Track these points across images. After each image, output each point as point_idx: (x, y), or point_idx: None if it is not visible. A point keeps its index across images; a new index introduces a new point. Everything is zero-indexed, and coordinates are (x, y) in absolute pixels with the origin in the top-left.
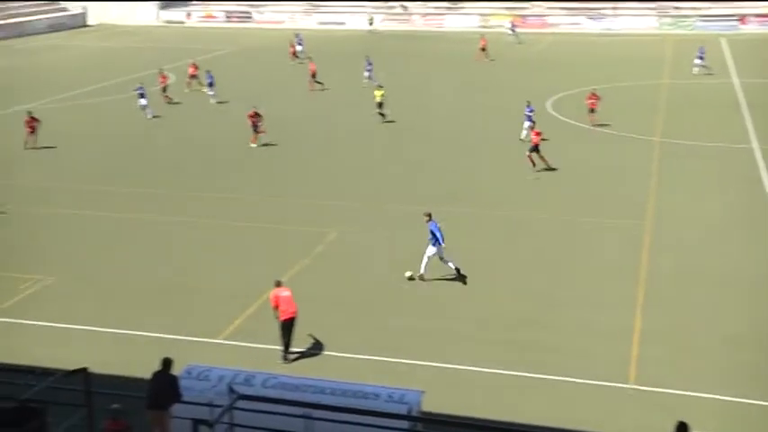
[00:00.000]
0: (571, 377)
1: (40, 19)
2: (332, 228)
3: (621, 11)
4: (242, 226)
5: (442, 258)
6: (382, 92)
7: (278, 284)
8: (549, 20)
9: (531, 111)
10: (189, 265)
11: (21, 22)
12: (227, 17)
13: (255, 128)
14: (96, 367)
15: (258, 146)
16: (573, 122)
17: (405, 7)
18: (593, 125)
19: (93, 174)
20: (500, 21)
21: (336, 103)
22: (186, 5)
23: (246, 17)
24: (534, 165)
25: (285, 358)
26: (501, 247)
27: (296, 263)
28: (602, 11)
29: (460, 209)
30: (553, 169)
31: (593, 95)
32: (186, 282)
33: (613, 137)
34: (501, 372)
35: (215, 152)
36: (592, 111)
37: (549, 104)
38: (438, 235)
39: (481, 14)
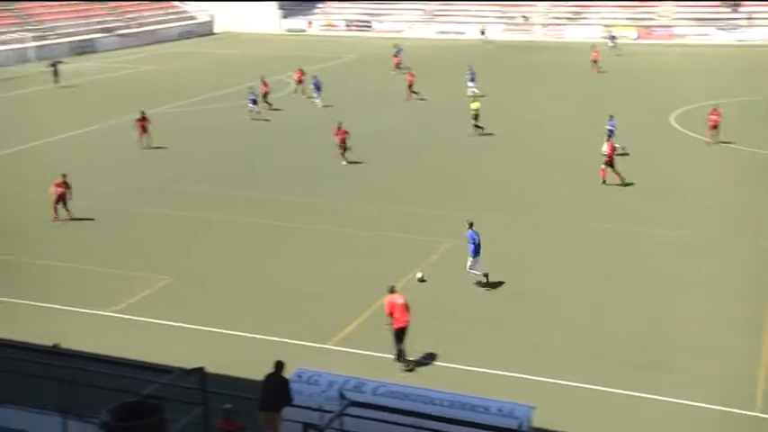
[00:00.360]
0: (690, 400)
1: (171, 27)
2: (446, 238)
3: (757, 21)
4: (353, 233)
5: (471, 266)
6: (478, 104)
7: (392, 291)
8: (676, 30)
9: (612, 125)
10: (301, 270)
11: (153, 30)
12: (348, 26)
13: (343, 145)
14: (211, 366)
15: (347, 163)
16: (694, 136)
17: (526, 17)
18: (714, 142)
19: (204, 176)
20: (623, 31)
21: (433, 114)
22: (308, 14)
23: (366, 26)
24: (605, 181)
25: (401, 365)
26: (605, 261)
27: (409, 271)
28: (734, 21)
29: (560, 219)
30: (628, 184)
31: (715, 111)
32: (299, 286)
33: (733, 153)
34: (615, 391)
35: (319, 158)
36: (713, 128)
37: (672, 118)
38: (472, 245)
39: (604, 25)
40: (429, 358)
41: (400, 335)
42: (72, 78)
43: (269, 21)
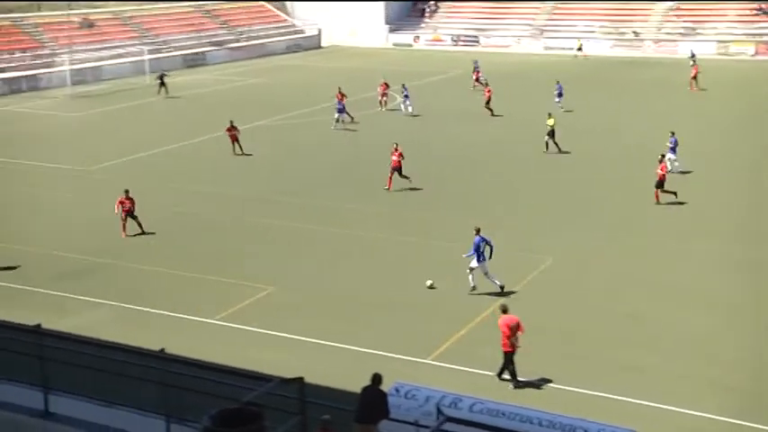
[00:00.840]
0: None
1: (279, 41)
2: (548, 254)
3: None
4: (447, 246)
5: (486, 274)
6: (553, 120)
7: (504, 311)
8: None
9: (674, 142)
10: (401, 282)
11: (262, 44)
12: (454, 41)
13: (399, 169)
14: (309, 377)
15: (406, 184)
16: None
17: (636, 33)
18: None
19: (302, 187)
20: (741, 48)
21: (511, 130)
22: (415, 29)
23: (473, 41)
24: (658, 201)
25: (511, 384)
26: (702, 282)
27: (509, 288)
28: None
29: (649, 240)
30: (681, 203)
31: None
32: (397, 298)
33: None
34: (716, 417)
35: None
36: None
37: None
38: (479, 250)
39: (720, 41)
40: (527, 377)
41: (511, 356)
42: (181, 90)
43: (376, 35)
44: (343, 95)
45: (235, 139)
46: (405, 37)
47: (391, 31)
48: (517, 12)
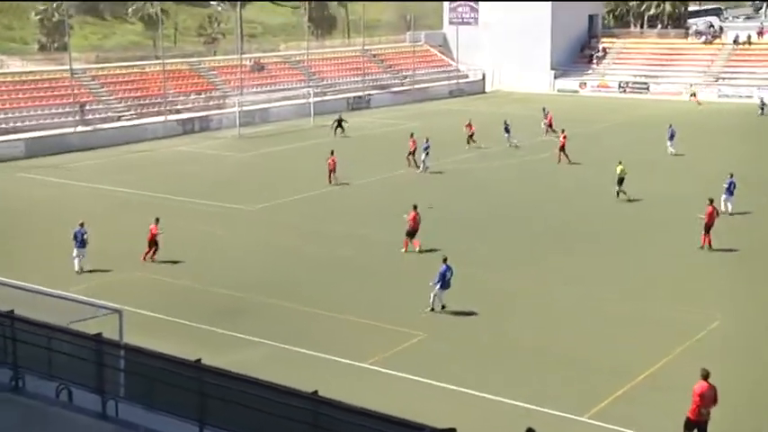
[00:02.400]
0: None
1: (442, 85)
2: (716, 312)
3: None
4: (607, 297)
5: (440, 301)
6: (622, 167)
7: (705, 377)
8: None
9: (730, 183)
10: (556, 333)
11: (425, 88)
12: (621, 88)
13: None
14: (461, 427)
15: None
16: None
17: None
18: None
19: (460, 229)
20: None
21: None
22: (581, 75)
23: (643, 88)
24: (706, 245)
25: None
26: None
27: (670, 350)
28: None
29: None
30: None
31: None
32: (553, 349)
33: None
34: None
35: (541, 215)
36: None
37: None
38: (443, 279)
39: None
40: None
41: (695, 426)
42: (348, 132)
43: (541, 81)
44: (413, 142)
45: (333, 169)
46: (570, 83)
47: (557, 76)
48: (692, 56)
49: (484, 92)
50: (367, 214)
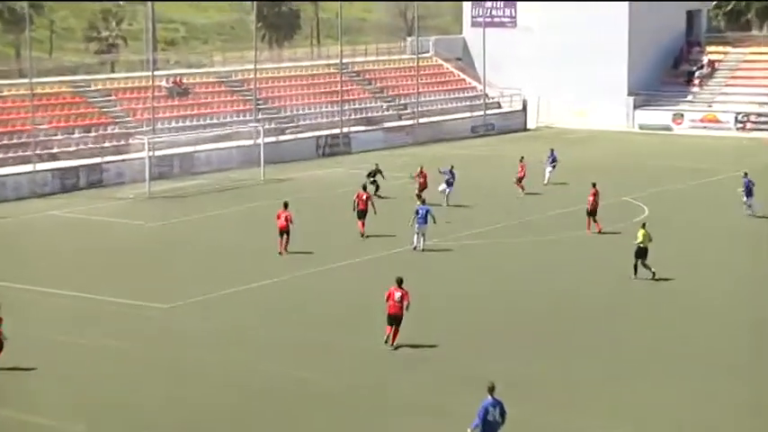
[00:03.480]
0: None
1: (462, 119)
2: None
3: None
4: None
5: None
6: (643, 233)
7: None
8: None
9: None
10: None
11: (435, 123)
12: (740, 123)
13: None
14: None
15: None
16: None
17: None
18: None
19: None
20: None
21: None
22: (676, 103)
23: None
24: None
25: None
26: None
27: None
28: None
29: None
30: None
31: None
32: None
33: None
34: None
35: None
36: None
37: None
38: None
39: None
40: None
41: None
42: (300, 192)
43: (613, 113)
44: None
45: (423, 185)
46: (658, 116)
47: (637, 106)
48: None
49: (525, 129)
50: (335, 313)
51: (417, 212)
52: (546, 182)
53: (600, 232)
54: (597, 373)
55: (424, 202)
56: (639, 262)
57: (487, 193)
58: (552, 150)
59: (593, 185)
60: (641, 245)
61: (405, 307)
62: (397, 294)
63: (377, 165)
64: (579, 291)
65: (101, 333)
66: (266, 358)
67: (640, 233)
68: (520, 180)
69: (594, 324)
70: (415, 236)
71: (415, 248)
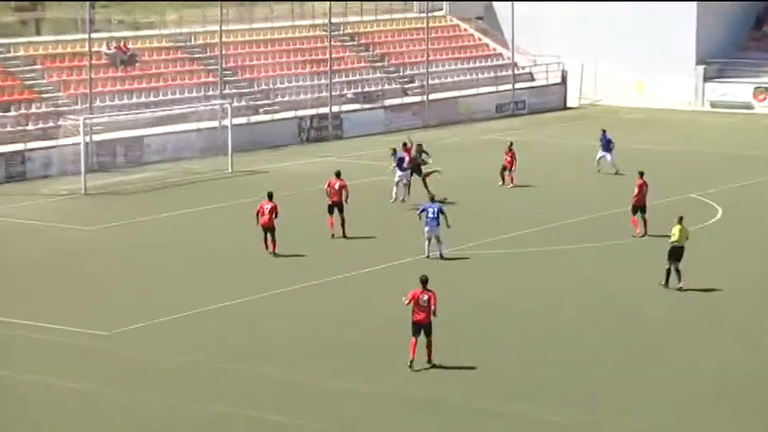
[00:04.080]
0: None
1: (484, 94)
2: None
3: None
4: None
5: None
6: (679, 230)
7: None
8: None
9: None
10: None
11: (450, 100)
12: None
13: None
14: None
15: None
16: None
17: None
18: None
19: None
20: None
21: None
22: (758, 75)
23: None
24: None
25: None
26: None
27: None
28: None
29: None
30: None
31: None
32: None
33: None
34: None
35: None
36: None
37: None
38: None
39: None
40: None
41: None
42: (280, 187)
43: (678, 87)
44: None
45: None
46: (735, 90)
47: (708, 78)
48: None
49: (564, 107)
50: (312, 342)
51: (425, 212)
52: (599, 169)
53: (645, 235)
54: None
55: (433, 198)
56: (673, 266)
57: (516, 189)
58: (604, 132)
59: (640, 175)
60: (677, 243)
61: (432, 312)
62: (424, 298)
63: (421, 147)
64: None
65: (30, 367)
66: (225, 398)
67: (676, 229)
68: (504, 169)
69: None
70: (426, 242)
71: (428, 257)
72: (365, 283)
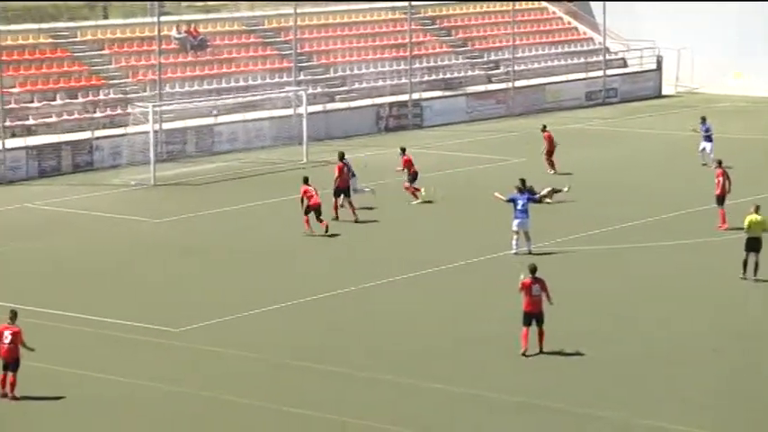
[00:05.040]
0: None
1: (573, 82)
2: None
3: None
4: None
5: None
6: (755, 217)
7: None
8: None
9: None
10: None
11: (537, 87)
12: None
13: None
14: None
15: None
16: None
17: None
18: None
19: None
20: None
21: None
22: None
23: None
24: None
25: None
26: None
27: None
28: None
29: None
30: None
31: None
32: None
33: None
34: None
35: None
36: None
37: None
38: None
39: None
40: None
41: None
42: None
43: None
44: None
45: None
46: None
47: None
48: None
49: (659, 95)
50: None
51: (515, 203)
52: (705, 162)
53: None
54: None
55: (523, 186)
56: (751, 257)
57: (607, 183)
58: (704, 119)
59: (719, 164)
60: (753, 235)
61: (548, 299)
62: (535, 287)
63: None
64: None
65: (95, 363)
66: (303, 399)
67: (750, 219)
68: (550, 155)
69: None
70: (515, 237)
71: (516, 253)
72: (453, 280)
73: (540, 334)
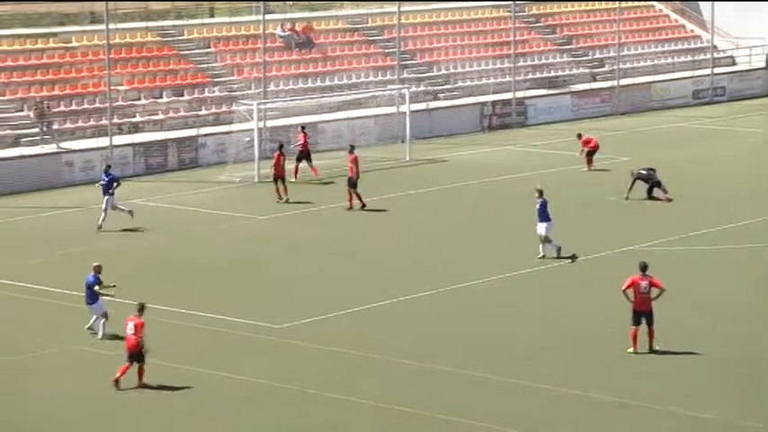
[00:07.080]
0: None
1: (680, 80)
2: None
3: None
4: None
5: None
6: None
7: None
8: None
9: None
10: None
11: (642, 85)
12: None
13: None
14: None
15: None
16: None
17: None
18: None
19: None
20: None
21: None
22: None
23: None
24: None
25: None
26: None
27: None
28: None
29: None
30: None
31: None
32: None
33: None
34: None
35: None
36: None
37: None
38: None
39: None
40: None
41: None
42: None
43: None
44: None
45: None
46: None
47: None
48: None
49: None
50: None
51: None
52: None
53: None
54: None
55: (541, 193)
56: None
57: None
58: None
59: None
60: None
61: (657, 296)
62: (643, 284)
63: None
64: None
65: (199, 359)
66: (407, 397)
67: None
68: (589, 153)
69: None
70: (540, 245)
71: (543, 257)
72: (552, 278)
73: (650, 333)
